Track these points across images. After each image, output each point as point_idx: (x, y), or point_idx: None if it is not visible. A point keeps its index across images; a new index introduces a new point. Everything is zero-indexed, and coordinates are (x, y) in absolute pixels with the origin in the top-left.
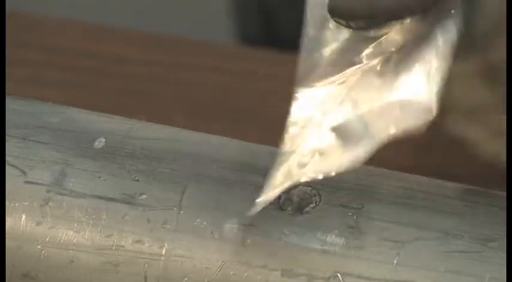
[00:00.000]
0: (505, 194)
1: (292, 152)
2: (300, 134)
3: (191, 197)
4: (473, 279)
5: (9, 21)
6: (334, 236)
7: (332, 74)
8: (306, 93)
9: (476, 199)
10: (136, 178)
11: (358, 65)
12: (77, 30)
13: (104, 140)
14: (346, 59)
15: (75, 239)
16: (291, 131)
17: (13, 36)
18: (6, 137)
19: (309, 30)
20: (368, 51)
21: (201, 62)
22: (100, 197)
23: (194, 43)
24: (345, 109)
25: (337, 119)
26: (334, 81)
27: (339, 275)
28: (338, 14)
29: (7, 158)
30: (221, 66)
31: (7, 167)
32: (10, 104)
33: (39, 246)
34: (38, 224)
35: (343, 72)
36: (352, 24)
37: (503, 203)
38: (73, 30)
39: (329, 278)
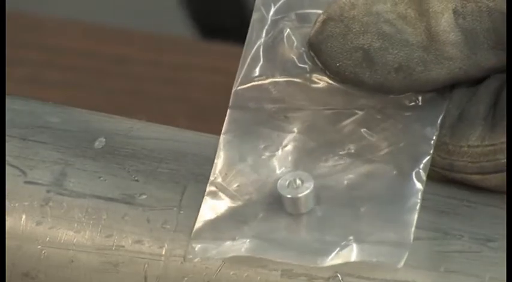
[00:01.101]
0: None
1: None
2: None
3: (191, 197)
4: (473, 279)
5: (9, 21)
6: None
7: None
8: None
9: (476, 199)
10: (136, 178)
11: (320, 107)
12: (77, 30)
13: (104, 140)
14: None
15: (75, 239)
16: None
17: (13, 36)
18: (6, 137)
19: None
20: (336, 99)
21: (201, 62)
22: (100, 197)
23: (194, 43)
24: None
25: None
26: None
27: (339, 275)
28: (324, 64)
29: (7, 158)
30: (221, 66)
31: (7, 167)
32: (10, 104)
33: (39, 246)
34: (38, 224)
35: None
36: (328, 73)
37: (503, 203)
38: (73, 30)
39: (329, 278)
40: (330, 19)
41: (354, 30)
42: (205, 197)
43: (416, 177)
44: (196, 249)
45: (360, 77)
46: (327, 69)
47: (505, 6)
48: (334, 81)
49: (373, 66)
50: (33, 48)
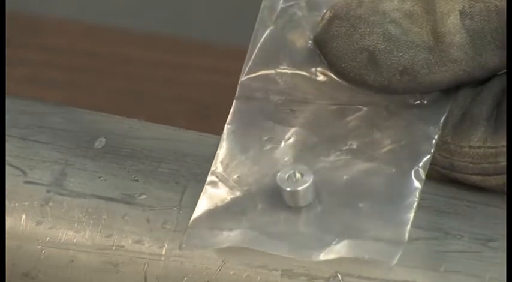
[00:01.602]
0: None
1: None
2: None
3: (191, 197)
4: (473, 279)
5: (9, 21)
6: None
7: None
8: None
9: (476, 199)
10: (136, 178)
11: (321, 102)
12: (77, 30)
13: (104, 140)
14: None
15: (75, 239)
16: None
17: (13, 36)
18: (6, 137)
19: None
20: (342, 95)
21: (201, 62)
22: (100, 197)
23: (194, 43)
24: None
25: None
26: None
27: (339, 275)
28: (329, 64)
29: (7, 158)
30: (221, 66)
31: (7, 167)
32: (10, 104)
33: (39, 246)
34: (38, 223)
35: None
36: (333, 72)
37: (503, 203)
38: (73, 30)
39: (329, 278)
40: (336, 17)
41: (359, 30)
42: (205, 186)
43: (415, 175)
44: (192, 238)
45: (364, 79)
46: (332, 68)
47: None
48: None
49: (378, 68)
50: (33, 48)
